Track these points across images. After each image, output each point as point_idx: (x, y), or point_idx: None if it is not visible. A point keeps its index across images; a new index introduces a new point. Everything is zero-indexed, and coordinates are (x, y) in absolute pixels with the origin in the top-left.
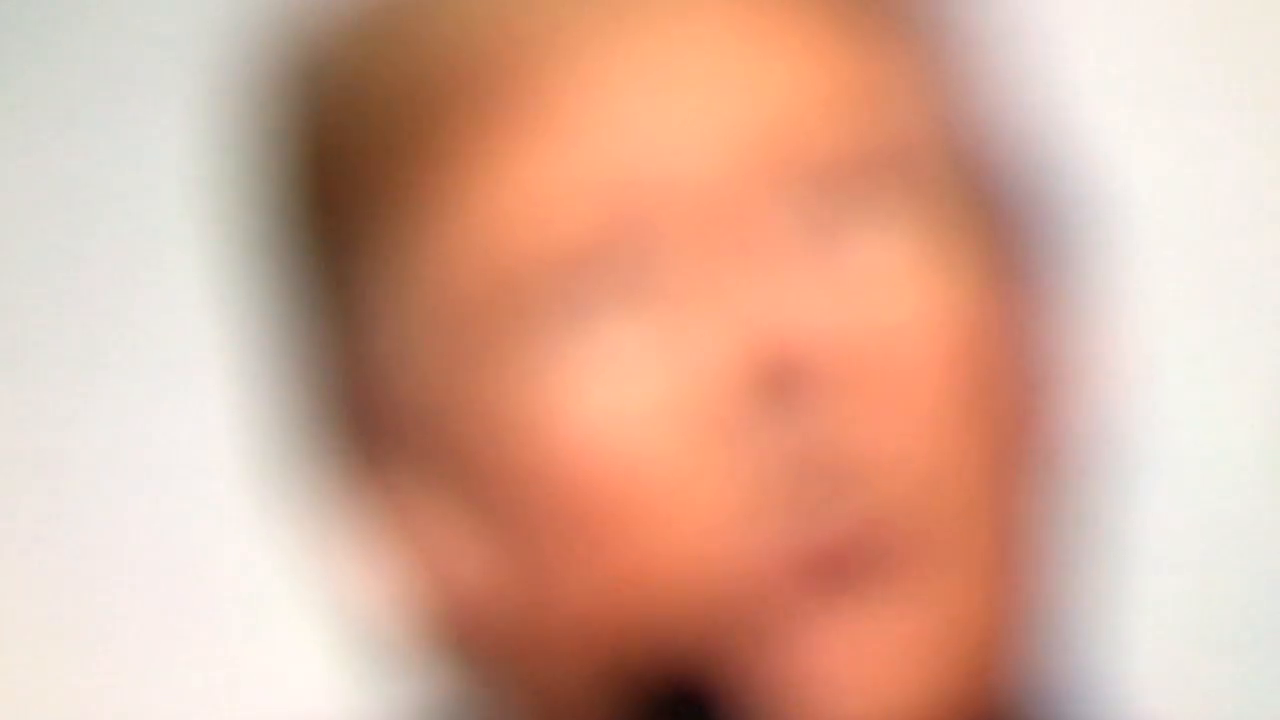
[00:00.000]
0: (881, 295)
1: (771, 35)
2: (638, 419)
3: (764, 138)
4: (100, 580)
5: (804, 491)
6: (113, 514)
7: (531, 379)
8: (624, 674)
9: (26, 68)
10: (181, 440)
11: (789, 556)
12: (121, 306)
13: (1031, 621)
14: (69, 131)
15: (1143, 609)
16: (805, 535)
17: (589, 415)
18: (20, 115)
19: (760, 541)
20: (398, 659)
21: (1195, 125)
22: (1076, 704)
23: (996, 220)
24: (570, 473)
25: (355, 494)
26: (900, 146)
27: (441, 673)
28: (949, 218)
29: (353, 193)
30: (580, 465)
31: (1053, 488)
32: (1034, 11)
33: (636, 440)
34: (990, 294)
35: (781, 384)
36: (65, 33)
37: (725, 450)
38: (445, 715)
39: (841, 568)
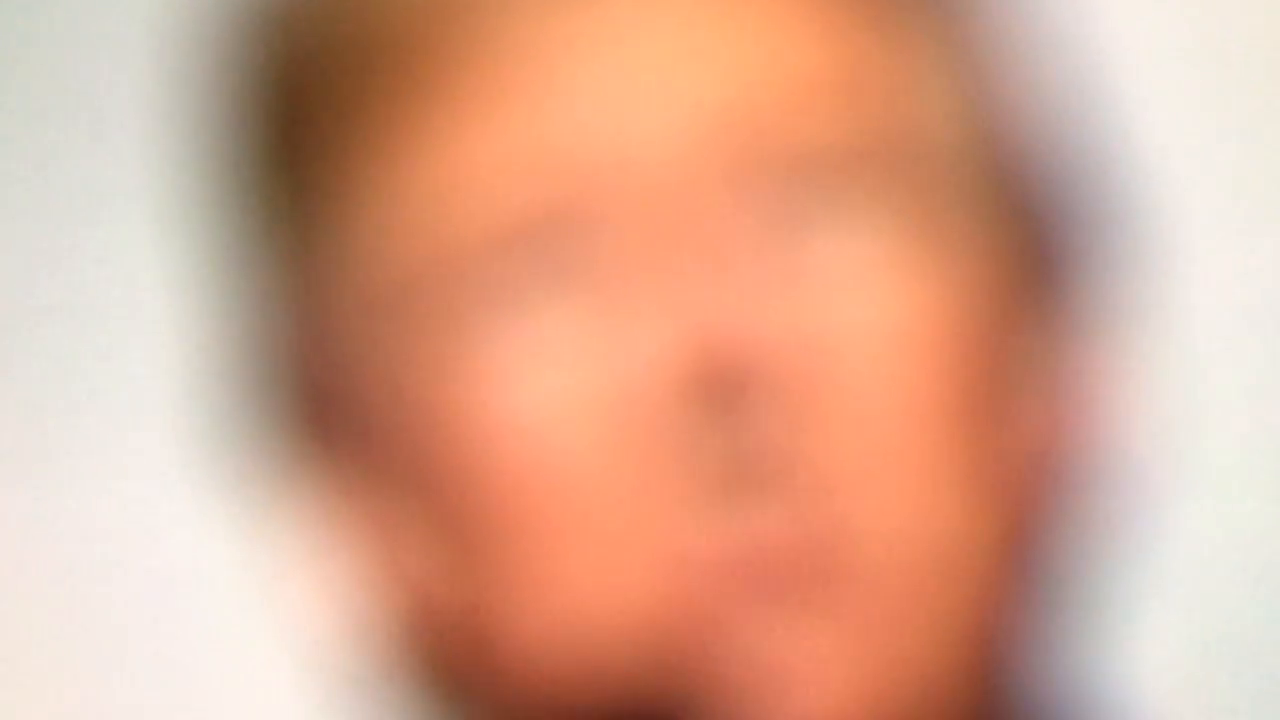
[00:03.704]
0: (842, 299)
1: (752, 10)
2: (568, 413)
3: (727, 122)
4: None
5: (739, 496)
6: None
7: (460, 366)
8: (574, 693)
9: None
10: (123, 419)
11: (718, 558)
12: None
13: (1015, 652)
14: (27, 83)
15: (1161, 638)
16: (736, 538)
17: (516, 407)
18: None
19: (690, 542)
20: (354, 668)
21: (1254, 129)
22: None
23: (1017, 229)
24: (496, 466)
25: (305, 475)
26: (893, 141)
27: (398, 690)
28: (948, 222)
29: (299, 156)
30: (506, 459)
31: (1056, 513)
32: (1079, 9)
33: (566, 435)
34: (988, 306)
35: (722, 384)
36: None
37: (658, 450)
38: None
39: (768, 580)
